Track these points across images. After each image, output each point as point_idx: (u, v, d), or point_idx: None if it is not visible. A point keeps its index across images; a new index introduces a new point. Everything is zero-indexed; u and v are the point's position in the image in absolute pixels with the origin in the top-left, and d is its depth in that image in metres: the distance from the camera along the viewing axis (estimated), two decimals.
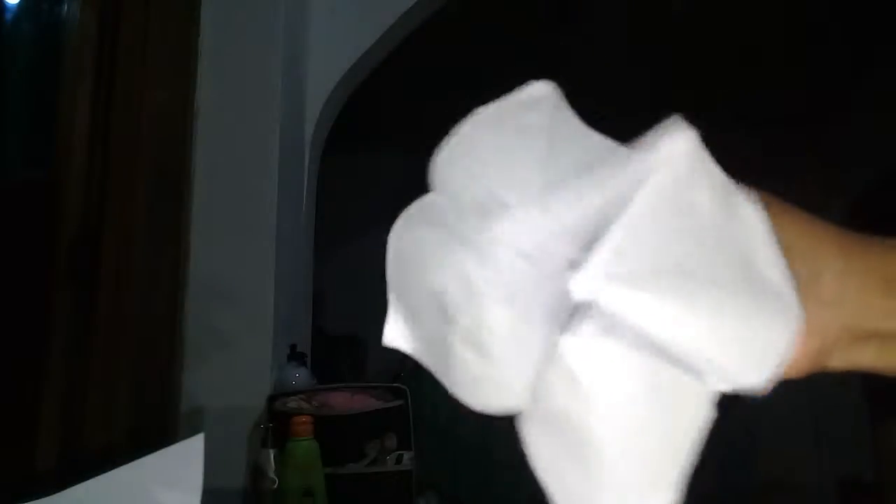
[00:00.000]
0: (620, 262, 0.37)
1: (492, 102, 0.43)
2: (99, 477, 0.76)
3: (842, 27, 3.00)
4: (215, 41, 1.74)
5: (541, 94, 0.43)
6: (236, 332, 1.63)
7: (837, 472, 3.32)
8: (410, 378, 1.55)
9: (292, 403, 1.52)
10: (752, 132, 3.22)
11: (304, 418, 1.35)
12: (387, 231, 0.43)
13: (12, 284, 1.46)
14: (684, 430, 0.37)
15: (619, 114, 0.99)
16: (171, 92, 1.65)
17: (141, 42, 1.61)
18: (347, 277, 3.14)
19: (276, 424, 1.38)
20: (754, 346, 0.37)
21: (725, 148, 0.44)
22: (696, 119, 0.39)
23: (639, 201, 0.38)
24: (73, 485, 0.76)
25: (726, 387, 0.37)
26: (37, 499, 0.75)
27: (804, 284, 0.38)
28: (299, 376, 1.66)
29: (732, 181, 0.39)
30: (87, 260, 1.50)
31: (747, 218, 0.38)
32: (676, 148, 0.38)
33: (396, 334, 0.45)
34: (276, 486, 1.31)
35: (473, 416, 0.42)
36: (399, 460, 1.49)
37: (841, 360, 0.41)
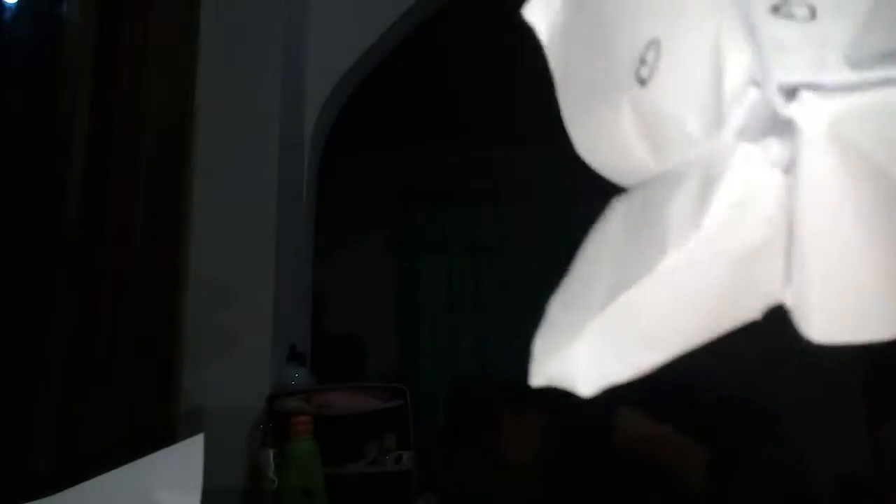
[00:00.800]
0: None
1: None
2: (99, 477, 0.76)
3: None
4: (215, 41, 1.74)
5: None
6: (236, 332, 1.63)
7: (837, 471, 3.32)
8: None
9: (292, 403, 1.52)
10: None
11: (304, 418, 1.35)
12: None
13: (12, 285, 1.46)
14: None
15: None
16: (171, 92, 1.65)
17: (141, 42, 1.61)
18: (347, 277, 3.14)
19: (276, 424, 1.39)
20: None
21: None
22: None
23: None
24: (73, 485, 0.76)
25: None
26: (37, 499, 0.74)
27: None
28: (299, 376, 1.66)
29: None
30: (87, 260, 1.50)
31: None
32: None
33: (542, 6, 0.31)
34: (276, 486, 1.31)
35: None
36: (399, 460, 1.50)
37: None
